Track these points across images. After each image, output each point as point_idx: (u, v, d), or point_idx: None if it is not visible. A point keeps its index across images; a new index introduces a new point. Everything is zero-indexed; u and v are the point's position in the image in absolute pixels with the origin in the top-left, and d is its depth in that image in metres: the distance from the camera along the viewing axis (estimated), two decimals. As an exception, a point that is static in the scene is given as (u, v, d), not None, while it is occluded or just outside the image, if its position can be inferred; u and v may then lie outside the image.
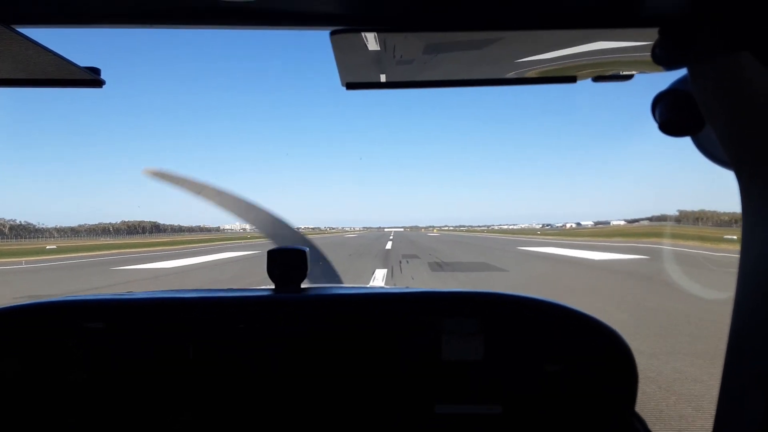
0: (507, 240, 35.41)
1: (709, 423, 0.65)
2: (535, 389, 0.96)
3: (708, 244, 19.00)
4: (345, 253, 18.42)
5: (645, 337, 4.45)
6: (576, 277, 9.65)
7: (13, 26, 0.55)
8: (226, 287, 1.18)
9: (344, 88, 0.77)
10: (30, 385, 0.98)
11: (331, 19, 0.58)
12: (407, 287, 1.18)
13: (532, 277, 9.90)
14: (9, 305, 1.02)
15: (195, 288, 1.18)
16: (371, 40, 0.60)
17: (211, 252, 22.74)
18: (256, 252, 20.83)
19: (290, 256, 1.07)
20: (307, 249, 1.09)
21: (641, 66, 0.73)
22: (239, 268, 13.03)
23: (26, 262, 17.47)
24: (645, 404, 2.87)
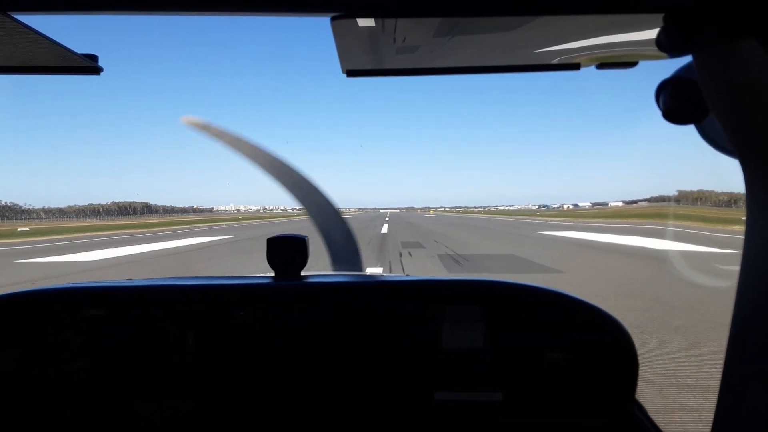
0: (514, 222, 32.07)
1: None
2: (536, 377, 0.97)
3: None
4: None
5: None
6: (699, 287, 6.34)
7: (9, 13, 0.55)
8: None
9: (345, 75, 0.77)
10: (29, 372, 1.00)
11: (332, 5, 0.57)
12: (408, 275, 1.17)
13: (634, 292, 6.49)
14: (8, 292, 1.04)
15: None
16: (372, 26, 0.59)
17: (177, 237, 19.86)
18: (228, 237, 18.10)
19: (290, 244, 1.08)
20: (307, 237, 1.09)
21: (645, 53, 0.73)
22: (178, 263, 9.75)
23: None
24: None
